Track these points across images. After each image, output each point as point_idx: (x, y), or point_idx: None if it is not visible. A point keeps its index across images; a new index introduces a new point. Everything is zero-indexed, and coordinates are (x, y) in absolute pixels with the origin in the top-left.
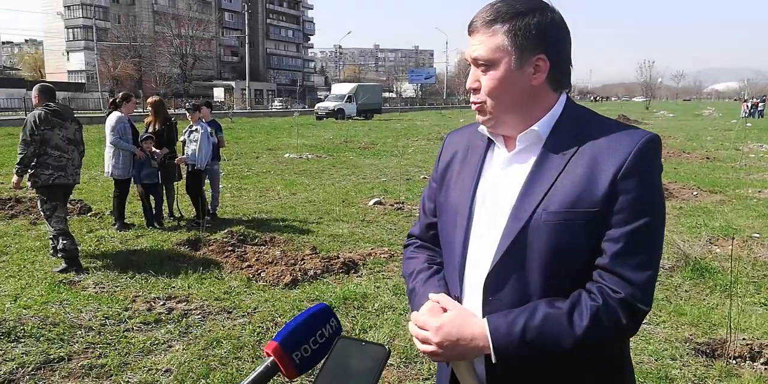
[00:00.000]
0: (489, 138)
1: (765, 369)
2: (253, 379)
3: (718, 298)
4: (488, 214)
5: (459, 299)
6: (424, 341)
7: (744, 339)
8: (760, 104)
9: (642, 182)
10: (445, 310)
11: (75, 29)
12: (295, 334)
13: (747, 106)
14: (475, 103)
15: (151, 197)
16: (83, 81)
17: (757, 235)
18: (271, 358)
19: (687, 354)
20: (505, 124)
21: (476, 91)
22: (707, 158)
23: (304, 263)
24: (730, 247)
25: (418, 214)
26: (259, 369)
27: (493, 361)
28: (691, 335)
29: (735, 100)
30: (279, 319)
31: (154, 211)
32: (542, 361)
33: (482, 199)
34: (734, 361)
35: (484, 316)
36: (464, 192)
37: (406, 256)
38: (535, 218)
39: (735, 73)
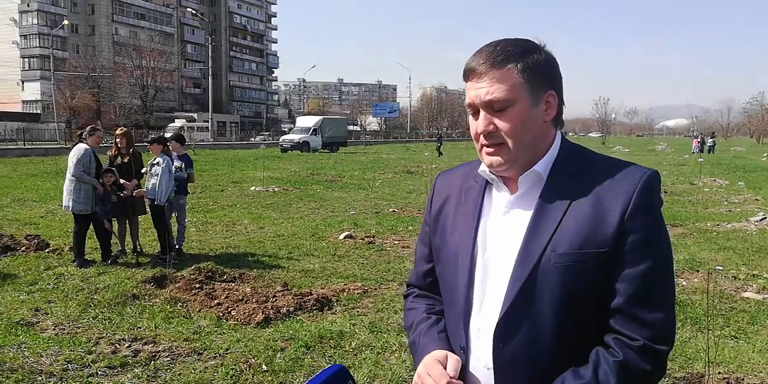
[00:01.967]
0: (485, 179)
1: None
2: None
3: (690, 331)
4: (492, 258)
5: (465, 349)
6: None
7: (720, 373)
8: (709, 140)
9: (649, 220)
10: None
11: (31, 59)
12: None
13: (698, 141)
14: (490, 146)
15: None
16: (38, 111)
17: (721, 268)
18: None
19: None
20: (517, 164)
21: (491, 134)
22: (665, 192)
23: (276, 300)
24: (696, 279)
25: (390, 249)
26: None
27: None
28: (669, 370)
29: (685, 136)
30: (253, 360)
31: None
32: None
33: (484, 243)
34: None
35: (495, 365)
36: (464, 236)
37: (406, 307)
38: (544, 261)
39: (683, 110)
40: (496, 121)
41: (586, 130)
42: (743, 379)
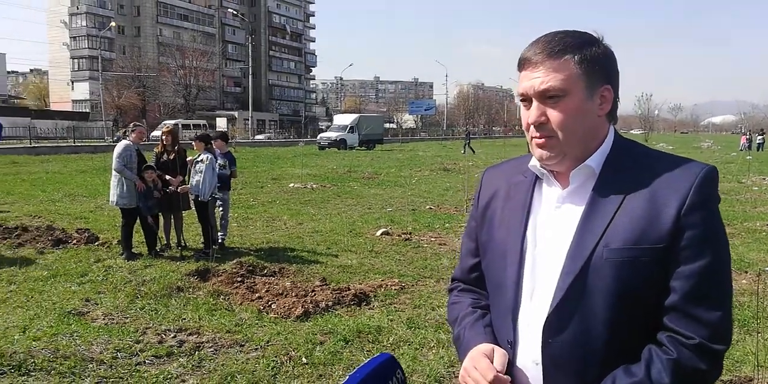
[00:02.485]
0: (535, 174)
1: None
2: None
3: (738, 333)
4: (542, 253)
5: (512, 344)
6: None
7: None
8: (759, 137)
9: (706, 216)
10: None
11: (80, 60)
12: None
13: (746, 138)
14: (540, 138)
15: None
16: (87, 110)
17: None
18: None
19: None
20: (567, 159)
21: (542, 125)
22: None
23: (314, 295)
24: (744, 281)
25: (427, 246)
26: None
27: None
28: None
29: (733, 133)
30: (293, 352)
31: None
32: None
33: (533, 238)
34: None
35: (544, 361)
36: (513, 231)
37: (450, 301)
38: (596, 256)
39: (730, 107)
40: (549, 112)
41: (627, 127)
42: None
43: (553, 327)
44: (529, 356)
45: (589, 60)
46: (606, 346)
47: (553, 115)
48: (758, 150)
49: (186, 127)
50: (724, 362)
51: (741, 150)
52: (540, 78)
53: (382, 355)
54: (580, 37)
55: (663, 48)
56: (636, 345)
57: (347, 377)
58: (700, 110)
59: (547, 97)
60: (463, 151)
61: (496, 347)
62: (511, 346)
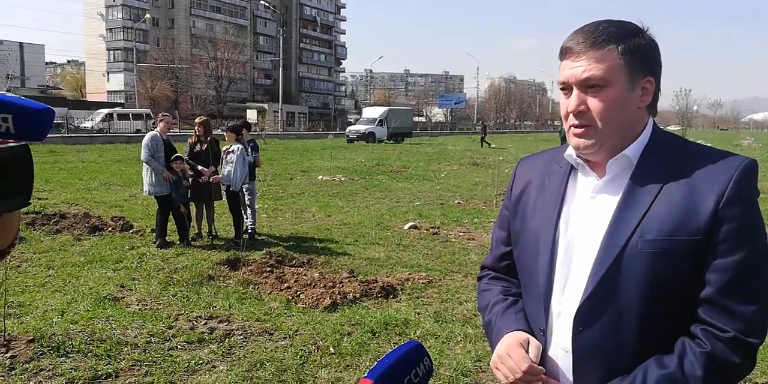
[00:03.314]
0: (570, 164)
1: None
2: None
3: None
4: (575, 242)
5: (544, 331)
6: None
7: None
8: None
9: (745, 210)
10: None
11: (116, 51)
12: (389, 372)
13: None
14: (580, 127)
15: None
16: (122, 101)
17: None
18: None
19: None
20: (604, 149)
21: (582, 114)
22: None
23: (342, 286)
24: None
25: (455, 241)
26: None
27: None
28: (749, 375)
29: None
30: (321, 342)
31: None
32: None
33: (566, 227)
34: None
35: (574, 349)
36: (546, 220)
37: (480, 288)
38: (631, 246)
39: None
40: (589, 100)
41: (664, 122)
42: None
43: (584, 316)
44: (560, 345)
45: (632, 51)
46: (638, 337)
47: (594, 104)
48: None
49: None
50: (759, 364)
51: None
52: (582, 67)
53: (410, 343)
54: (624, 27)
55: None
56: (668, 337)
57: (376, 363)
58: (741, 106)
59: (588, 86)
60: (481, 145)
61: (532, 338)
62: (544, 334)
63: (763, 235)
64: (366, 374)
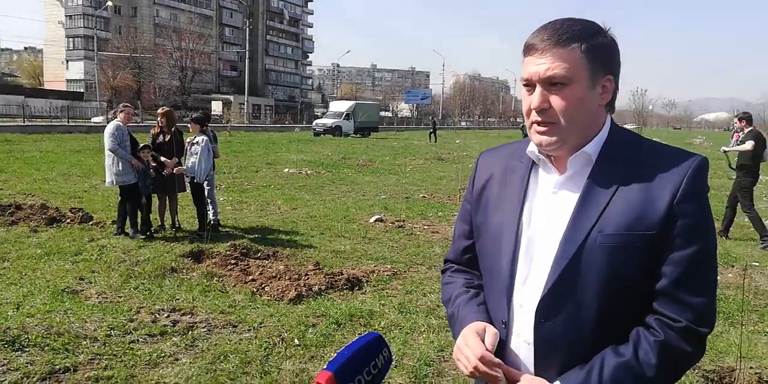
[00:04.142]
0: (532, 160)
1: None
2: None
3: (722, 325)
4: (537, 236)
5: (506, 324)
6: None
7: (751, 368)
8: None
9: (698, 206)
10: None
11: (75, 38)
12: (349, 364)
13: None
14: (542, 124)
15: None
16: (82, 90)
17: (756, 264)
18: None
19: (697, 381)
20: (566, 145)
21: (544, 111)
22: None
23: (308, 278)
24: (730, 274)
25: (419, 234)
26: None
27: None
28: (699, 362)
29: (725, 130)
30: (285, 334)
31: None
32: None
33: (528, 222)
34: None
35: (536, 341)
36: (509, 215)
37: (444, 281)
38: (590, 240)
39: (725, 104)
40: (552, 98)
41: (621, 121)
42: None
43: (546, 308)
44: (522, 337)
45: (594, 50)
46: (596, 327)
47: (556, 102)
48: None
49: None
50: (708, 352)
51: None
52: (546, 64)
53: (370, 335)
54: (588, 27)
55: (659, 46)
56: (625, 327)
57: (335, 355)
58: (694, 107)
59: (551, 83)
60: (429, 141)
61: (489, 326)
62: (506, 326)
63: (712, 230)
64: (326, 366)
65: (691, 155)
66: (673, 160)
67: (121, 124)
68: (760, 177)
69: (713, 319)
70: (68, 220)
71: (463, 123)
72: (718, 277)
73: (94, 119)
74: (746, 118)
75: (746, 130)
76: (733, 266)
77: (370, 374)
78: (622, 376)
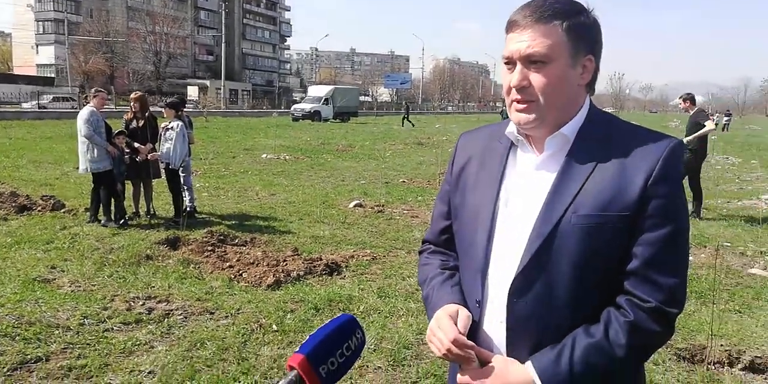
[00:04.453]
0: (510, 141)
1: (743, 374)
2: None
3: (695, 304)
4: (513, 216)
5: (480, 303)
6: None
7: (722, 345)
8: (725, 118)
9: (671, 188)
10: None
11: (45, 22)
12: (322, 346)
13: (714, 119)
14: (522, 102)
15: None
16: (53, 75)
17: (728, 244)
18: (296, 371)
19: (669, 359)
20: (545, 124)
21: (524, 89)
22: None
23: (286, 264)
24: (703, 255)
25: (399, 218)
26: (283, 383)
27: None
28: (671, 341)
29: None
30: (264, 320)
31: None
32: None
33: (505, 202)
34: (714, 367)
35: (508, 320)
36: (486, 195)
37: (420, 263)
38: (565, 221)
39: (699, 88)
40: (532, 76)
41: (599, 105)
42: (744, 351)
43: (518, 288)
44: (496, 316)
45: (576, 28)
46: (568, 308)
47: (536, 80)
48: (724, 130)
49: None
50: (680, 331)
51: None
52: (526, 42)
53: (343, 316)
54: (570, 5)
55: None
56: (597, 307)
57: (308, 337)
58: (671, 90)
59: (531, 61)
60: (402, 125)
61: (462, 308)
62: (479, 306)
63: (685, 212)
64: (298, 349)
65: (667, 138)
66: (649, 143)
67: (95, 109)
68: (732, 159)
69: (683, 300)
70: (39, 208)
71: (450, 108)
72: (691, 258)
73: (24, 105)
74: (690, 98)
75: (692, 112)
76: (705, 247)
77: (343, 356)
78: (592, 356)
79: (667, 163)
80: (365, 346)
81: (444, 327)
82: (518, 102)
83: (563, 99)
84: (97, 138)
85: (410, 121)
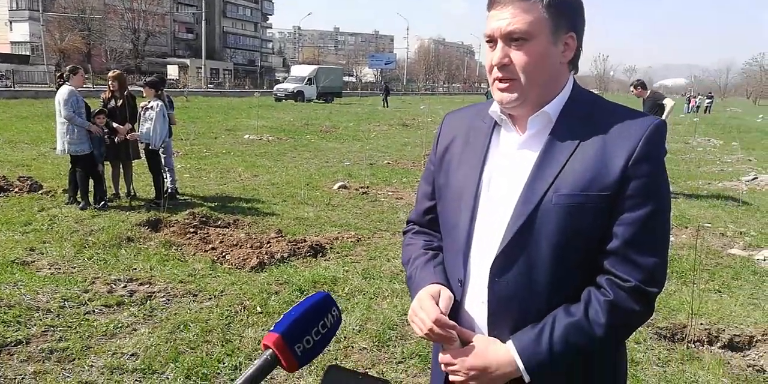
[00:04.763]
0: (494, 120)
1: (723, 352)
2: (252, 375)
3: (675, 284)
4: (495, 196)
5: (462, 282)
6: (453, 373)
7: (702, 324)
8: (707, 100)
9: (653, 168)
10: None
11: None
12: (297, 325)
13: (695, 102)
14: (503, 80)
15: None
16: (27, 53)
17: (709, 225)
18: (270, 350)
19: (650, 338)
20: (526, 103)
21: (505, 67)
22: None
23: (270, 246)
24: (684, 235)
25: (383, 200)
26: (258, 362)
27: (527, 381)
28: (652, 320)
29: (682, 95)
30: (247, 302)
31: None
32: (570, 364)
33: (488, 182)
34: (693, 345)
35: (489, 299)
36: (469, 175)
37: (404, 242)
38: (546, 201)
39: (683, 70)
40: (513, 54)
41: (583, 86)
42: (723, 330)
43: (500, 266)
44: (477, 295)
45: (556, 5)
46: (549, 286)
47: (517, 57)
48: (705, 112)
49: None
50: (661, 310)
51: (688, 112)
52: (507, 19)
53: (318, 294)
54: None
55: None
56: (577, 286)
57: (282, 316)
58: (654, 73)
59: (512, 39)
60: (383, 105)
61: (444, 289)
62: (461, 285)
63: (667, 192)
64: (272, 327)
65: (649, 118)
66: (631, 123)
67: (74, 89)
68: (713, 141)
69: (663, 280)
70: (16, 189)
71: (441, 89)
72: (673, 239)
73: None
74: (640, 84)
75: (646, 96)
76: (687, 227)
77: (318, 334)
78: (572, 335)
79: (649, 142)
80: (351, 327)
81: (426, 307)
82: (500, 80)
83: (545, 76)
84: (78, 119)
85: (387, 102)
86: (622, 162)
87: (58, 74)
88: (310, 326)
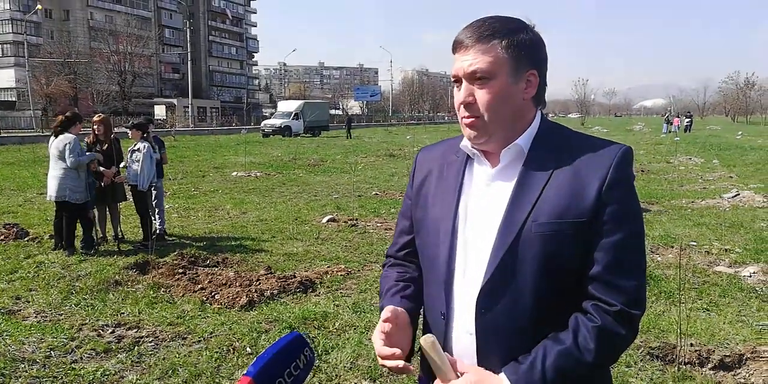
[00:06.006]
0: (467, 154)
1: (713, 373)
2: None
3: (664, 304)
4: (474, 229)
5: (445, 315)
6: None
7: (692, 345)
8: (686, 120)
9: (625, 193)
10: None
11: (4, 45)
12: (269, 367)
13: (678, 121)
14: (468, 118)
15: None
16: (13, 99)
17: (694, 243)
18: None
19: (642, 359)
20: (494, 139)
21: (470, 106)
22: (642, 171)
23: (259, 284)
24: (670, 255)
25: (373, 232)
26: None
27: None
28: (642, 341)
29: (662, 115)
30: (237, 343)
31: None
32: None
33: (465, 215)
34: (685, 366)
35: (477, 331)
36: (446, 208)
37: (381, 276)
38: (526, 230)
39: (661, 90)
40: (476, 92)
41: (565, 111)
42: (714, 350)
43: (485, 299)
44: (463, 327)
45: (515, 45)
46: (536, 315)
47: (480, 96)
48: (686, 132)
49: None
50: (652, 330)
51: (669, 132)
52: (469, 60)
53: (290, 335)
54: (509, 23)
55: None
56: (563, 313)
57: (255, 358)
58: (634, 94)
59: (475, 78)
60: (347, 137)
61: (388, 307)
62: (444, 318)
63: (640, 215)
64: (245, 371)
65: (616, 145)
66: (600, 150)
67: (75, 136)
68: (694, 159)
69: (644, 301)
70: (2, 237)
71: (445, 117)
72: (659, 258)
73: None
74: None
75: None
76: (672, 247)
77: (291, 376)
78: (564, 363)
79: (618, 167)
80: (342, 364)
81: (375, 344)
82: (466, 118)
83: (509, 113)
84: (86, 158)
85: (350, 133)
86: (595, 189)
87: (57, 121)
88: (282, 368)
